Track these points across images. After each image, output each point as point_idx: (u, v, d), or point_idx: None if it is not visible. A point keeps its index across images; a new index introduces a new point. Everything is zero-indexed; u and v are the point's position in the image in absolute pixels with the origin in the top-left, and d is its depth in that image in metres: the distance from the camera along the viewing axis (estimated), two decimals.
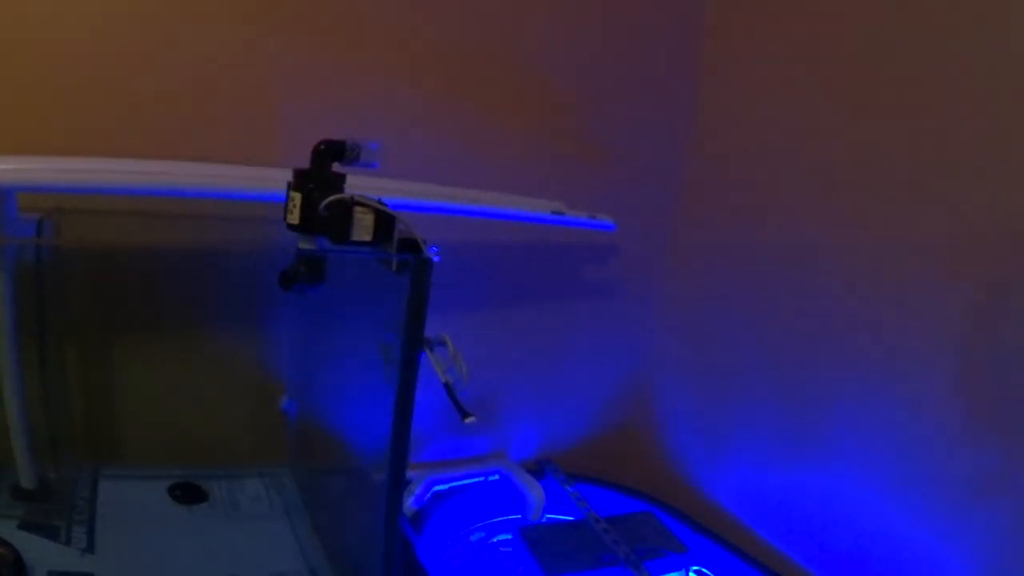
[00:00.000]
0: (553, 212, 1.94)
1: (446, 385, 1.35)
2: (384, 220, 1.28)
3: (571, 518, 2.26)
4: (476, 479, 2.30)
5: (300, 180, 1.31)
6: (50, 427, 1.86)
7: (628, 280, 2.52)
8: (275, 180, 1.43)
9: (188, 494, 1.91)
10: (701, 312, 2.44)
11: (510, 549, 2.17)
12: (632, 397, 2.62)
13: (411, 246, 1.29)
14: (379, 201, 1.28)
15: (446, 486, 2.24)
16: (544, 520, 2.24)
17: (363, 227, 1.26)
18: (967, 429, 1.74)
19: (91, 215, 1.75)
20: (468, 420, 1.35)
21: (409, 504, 2.17)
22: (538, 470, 2.40)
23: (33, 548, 1.64)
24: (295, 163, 1.36)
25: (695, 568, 2.16)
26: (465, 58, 2.07)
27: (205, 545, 1.76)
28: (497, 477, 2.31)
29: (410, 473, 2.23)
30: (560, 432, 2.54)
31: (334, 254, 1.34)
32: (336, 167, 1.35)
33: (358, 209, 1.26)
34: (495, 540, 2.22)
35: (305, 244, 1.32)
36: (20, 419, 1.73)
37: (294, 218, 1.30)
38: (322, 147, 1.31)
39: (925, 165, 1.81)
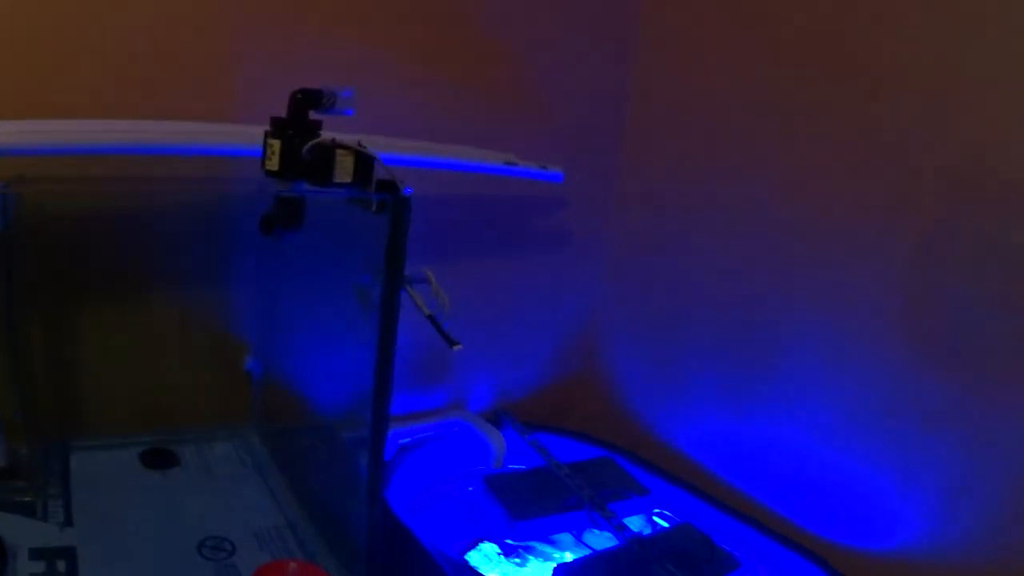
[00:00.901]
0: (505, 163, 1.97)
1: (429, 318, 1.38)
2: (363, 162, 1.30)
3: (533, 466, 2.30)
4: (438, 431, 2.33)
5: (278, 128, 1.32)
6: (18, 403, 1.80)
7: (576, 230, 2.56)
8: (241, 134, 1.45)
9: (160, 459, 1.91)
10: (649, 260, 2.50)
11: (472, 489, 2.23)
12: (585, 345, 2.66)
13: (389, 187, 1.31)
14: (358, 143, 1.31)
15: (408, 440, 2.27)
16: (507, 468, 2.29)
17: (344, 169, 1.28)
18: (913, 365, 1.82)
19: (49, 182, 1.70)
20: (455, 347, 1.39)
21: None
22: (495, 420, 2.43)
23: (11, 526, 1.62)
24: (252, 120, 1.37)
25: (656, 510, 2.24)
26: (405, 13, 2.08)
27: (183, 508, 1.76)
28: (458, 429, 2.34)
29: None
30: (515, 382, 2.58)
31: (315, 196, 1.36)
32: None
33: (339, 152, 1.28)
34: (462, 490, 2.26)
35: (284, 189, 1.34)
36: None
37: (273, 164, 1.31)
38: (299, 95, 1.32)
39: (867, 109, 1.87)
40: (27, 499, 1.71)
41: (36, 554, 1.56)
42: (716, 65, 2.24)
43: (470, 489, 2.24)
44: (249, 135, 1.39)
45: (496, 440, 2.27)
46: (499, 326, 2.49)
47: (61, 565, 1.54)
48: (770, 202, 2.10)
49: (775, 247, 2.11)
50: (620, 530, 2.04)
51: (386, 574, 1.63)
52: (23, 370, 1.81)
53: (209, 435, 2.02)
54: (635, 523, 2.13)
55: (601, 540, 2.08)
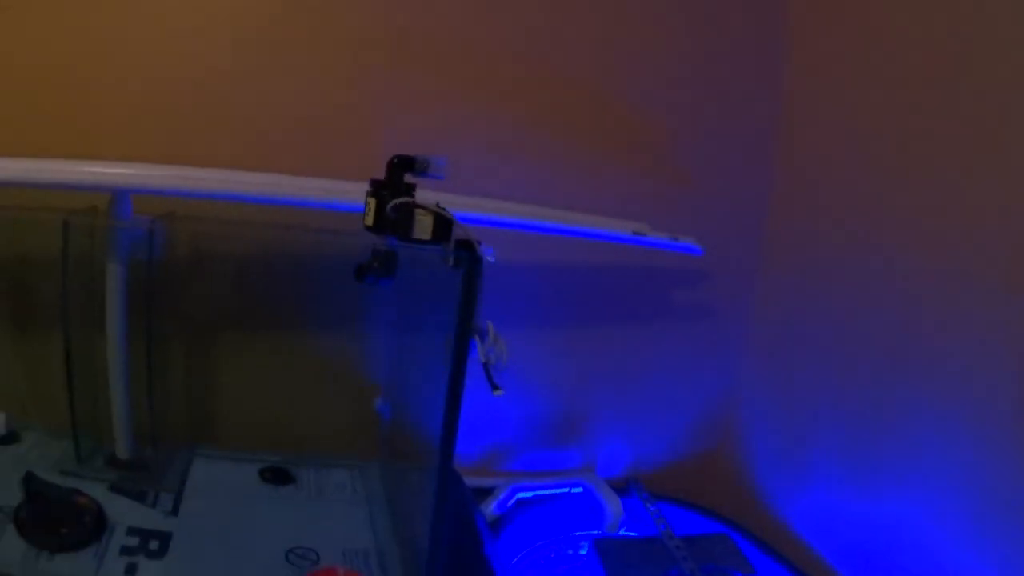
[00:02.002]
0: (634, 232, 2.03)
1: (484, 365, 1.48)
2: (442, 222, 1.44)
3: (646, 535, 2.33)
4: (560, 490, 2.40)
5: (376, 187, 1.48)
6: (151, 408, 2.03)
7: (715, 304, 2.58)
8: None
9: (277, 476, 2.06)
10: (784, 339, 2.48)
11: (584, 551, 2.27)
12: (717, 421, 2.67)
13: (466, 246, 1.44)
14: (438, 205, 1.44)
15: (530, 494, 2.35)
16: (620, 534, 2.33)
17: (423, 227, 1.42)
18: None
19: (200, 221, 1.99)
20: (497, 393, 1.48)
21: (491, 509, 2.29)
22: (624, 488, 2.48)
23: (118, 506, 1.80)
24: None
25: None
26: (547, 85, 2.22)
27: (283, 519, 1.90)
28: (581, 490, 2.40)
29: (495, 480, 2.36)
30: (647, 452, 2.61)
31: (397, 248, 1.50)
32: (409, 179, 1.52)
33: (419, 211, 1.43)
34: (570, 550, 2.30)
35: (381, 244, 1.50)
36: (121, 395, 1.92)
37: (369, 220, 1.47)
38: (395, 160, 1.48)
39: (1005, 185, 1.82)
40: (142, 488, 1.89)
41: (134, 531, 1.74)
42: (857, 139, 2.22)
43: (580, 552, 2.29)
44: None
45: (613, 505, 2.32)
46: (634, 396, 2.55)
47: (154, 544, 1.71)
48: (904, 276, 2.06)
49: (900, 331, 2.06)
50: None
51: None
52: (159, 380, 2.04)
53: (331, 463, 2.17)
54: None
55: None
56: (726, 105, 2.42)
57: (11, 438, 1.95)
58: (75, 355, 1.89)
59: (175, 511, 1.85)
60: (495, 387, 1.48)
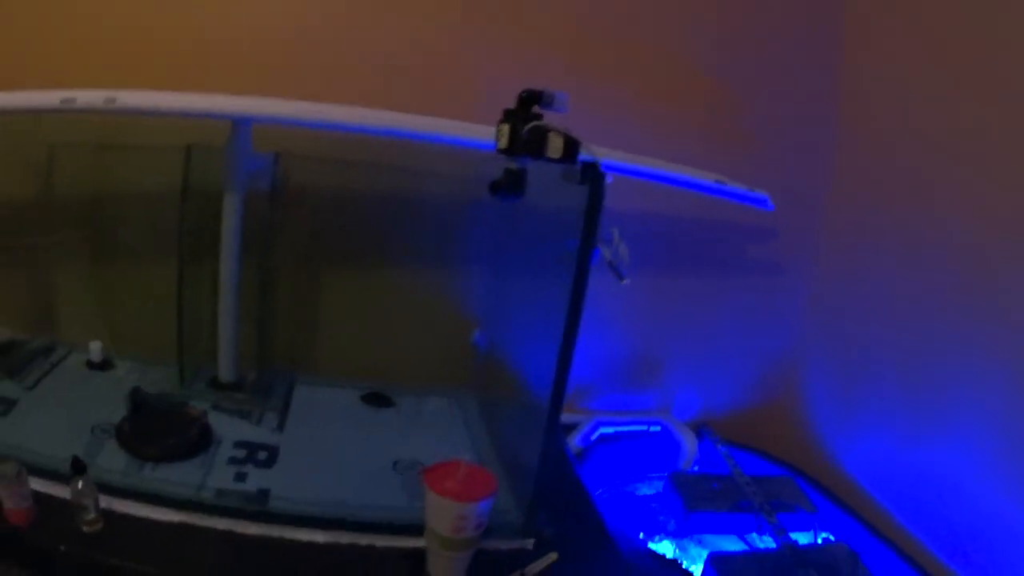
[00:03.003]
0: (716, 181, 2.16)
1: (609, 263, 1.62)
2: (571, 143, 1.60)
3: (718, 473, 2.47)
4: (639, 427, 2.55)
5: (508, 115, 1.64)
6: (258, 336, 2.12)
7: (781, 260, 2.69)
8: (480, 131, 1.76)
9: (377, 400, 2.15)
10: (845, 296, 2.58)
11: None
12: (782, 373, 2.78)
13: (590, 165, 1.60)
14: (566, 129, 1.61)
15: (612, 430, 2.50)
16: (693, 470, 2.47)
17: (554, 147, 1.58)
18: None
19: (315, 160, 2.12)
20: (623, 282, 1.62)
21: (576, 442, 2.44)
22: (696, 433, 2.62)
23: (224, 424, 1.87)
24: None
25: (824, 534, 2.34)
26: (630, 48, 2.34)
27: (386, 437, 1.98)
28: (659, 428, 2.55)
29: (579, 417, 2.52)
30: (717, 400, 2.75)
31: (532, 166, 1.64)
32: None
33: (551, 134, 1.59)
34: (648, 487, 2.45)
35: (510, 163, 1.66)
36: (229, 319, 1.99)
37: (503, 143, 1.63)
38: (525, 93, 1.64)
39: None
40: (246, 409, 1.96)
41: (241, 444, 1.81)
42: (925, 102, 2.27)
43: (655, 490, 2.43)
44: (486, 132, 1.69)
45: (690, 443, 2.46)
46: (706, 345, 2.69)
47: (262, 455, 1.79)
48: (966, 241, 2.12)
49: (954, 290, 2.14)
50: (780, 535, 2.17)
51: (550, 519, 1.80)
52: (264, 308, 2.13)
53: (428, 391, 2.25)
54: (799, 536, 2.25)
55: (761, 543, 2.22)
56: (791, 73, 2.51)
57: (106, 365, 2.01)
58: (186, 282, 1.96)
59: (280, 428, 1.92)
60: (621, 277, 1.62)
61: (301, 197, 2.19)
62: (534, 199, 1.68)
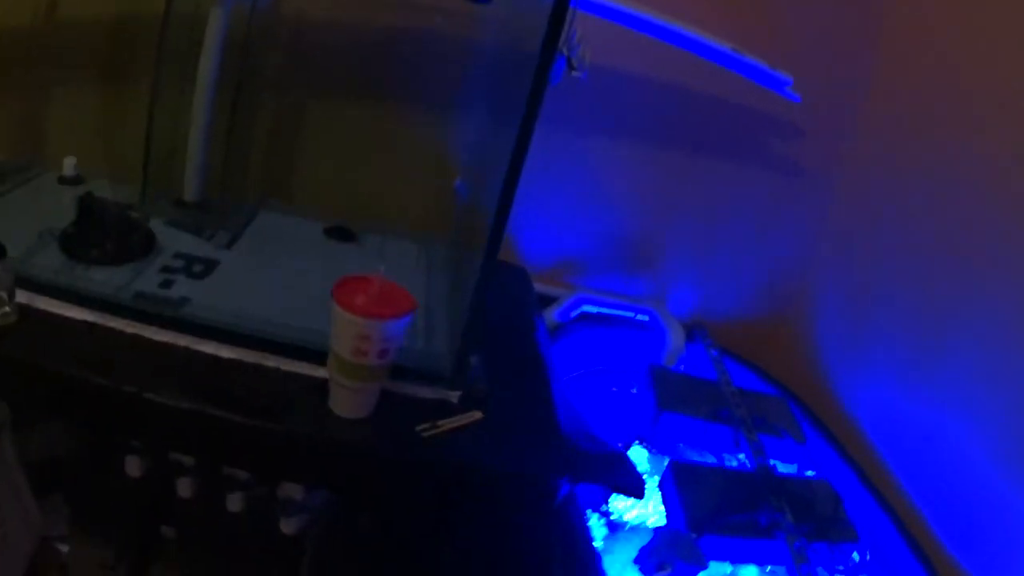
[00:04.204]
0: (732, 49, 1.87)
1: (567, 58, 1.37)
2: None
3: (703, 377, 2.23)
4: (625, 313, 2.31)
5: None
6: (228, 160, 1.99)
7: (804, 164, 2.39)
8: None
9: (339, 234, 2.00)
10: (867, 212, 2.30)
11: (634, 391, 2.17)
12: (789, 288, 2.50)
13: None
14: None
15: (594, 309, 2.27)
16: (677, 367, 2.22)
17: None
18: None
19: None
20: (573, 73, 1.39)
21: (553, 316, 2.22)
22: (688, 332, 2.36)
23: (171, 237, 1.78)
24: None
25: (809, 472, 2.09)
26: None
27: (335, 269, 1.76)
28: (646, 318, 2.30)
29: (561, 289, 2.29)
30: (716, 301, 2.48)
31: None
32: None
33: None
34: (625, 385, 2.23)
35: None
36: (199, 136, 1.87)
37: None
38: None
39: None
40: (202, 226, 1.87)
41: (181, 256, 1.72)
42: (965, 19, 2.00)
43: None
44: None
45: (676, 337, 2.23)
46: (707, 239, 2.41)
47: (198, 267, 1.69)
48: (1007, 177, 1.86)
49: (971, 229, 1.91)
50: (758, 455, 1.93)
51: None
52: (238, 132, 1.99)
53: (400, 233, 2.08)
54: (781, 465, 2.01)
55: (735, 461, 2.00)
56: None
57: (76, 180, 1.93)
58: (161, 99, 1.86)
59: (229, 247, 1.83)
60: (572, 67, 1.37)
61: (290, 26, 2.03)
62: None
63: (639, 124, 2.23)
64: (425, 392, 1.53)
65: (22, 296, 1.42)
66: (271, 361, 1.50)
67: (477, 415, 1.50)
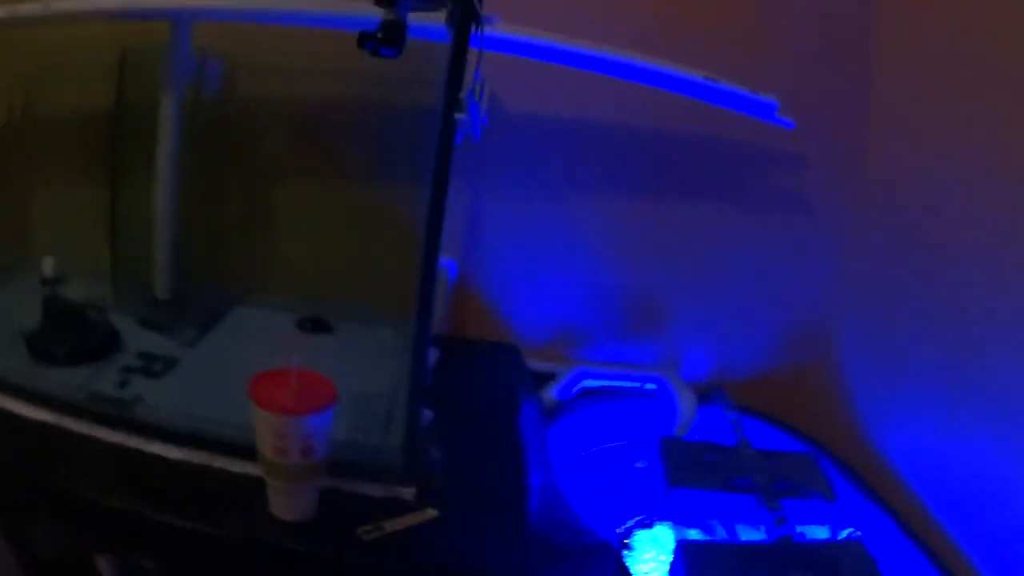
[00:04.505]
0: (705, 78, 1.70)
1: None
2: None
3: (720, 443, 2.05)
4: (631, 384, 2.17)
5: None
6: (199, 253, 2.00)
7: (813, 195, 2.20)
8: None
9: (315, 325, 1.96)
10: (891, 243, 2.09)
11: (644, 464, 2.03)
12: (815, 335, 2.30)
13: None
14: None
15: (597, 383, 2.14)
16: (689, 436, 2.07)
17: None
18: None
19: (264, 68, 1.95)
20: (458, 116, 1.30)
21: (552, 394, 2.11)
22: (706, 395, 2.21)
23: (137, 336, 1.80)
24: None
25: (848, 530, 1.89)
26: None
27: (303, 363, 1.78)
28: (654, 387, 2.16)
29: (561, 366, 2.17)
30: (736, 360, 2.31)
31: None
32: None
33: None
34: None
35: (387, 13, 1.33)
36: (165, 231, 1.88)
37: None
38: None
39: None
40: (171, 323, 1.87)
41: (143, 355, 1.72)
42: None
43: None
44: None
45: (687, 403, 2.07)
46: (716, 293, 2.25)
47: (157, 367, 1.69)
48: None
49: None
50: (779, 524, 1.76)
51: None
52: (209, 224, 2.01)
53: (378, 321, 2.02)
54: (811, 529, 1.83)
55: (753, 533, 1.82)
56: None
57: (56, 280, 1.88)
58: (123, 196, 1.93)
59: (193, 344, 1.83)
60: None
61: (247, 107, 2.01)
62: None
63: (626, 176, 2.12)
64: (375, 490, 1.45)
65: None
66: (219, 462, 1.47)
67: (432, 513, 1.41)
